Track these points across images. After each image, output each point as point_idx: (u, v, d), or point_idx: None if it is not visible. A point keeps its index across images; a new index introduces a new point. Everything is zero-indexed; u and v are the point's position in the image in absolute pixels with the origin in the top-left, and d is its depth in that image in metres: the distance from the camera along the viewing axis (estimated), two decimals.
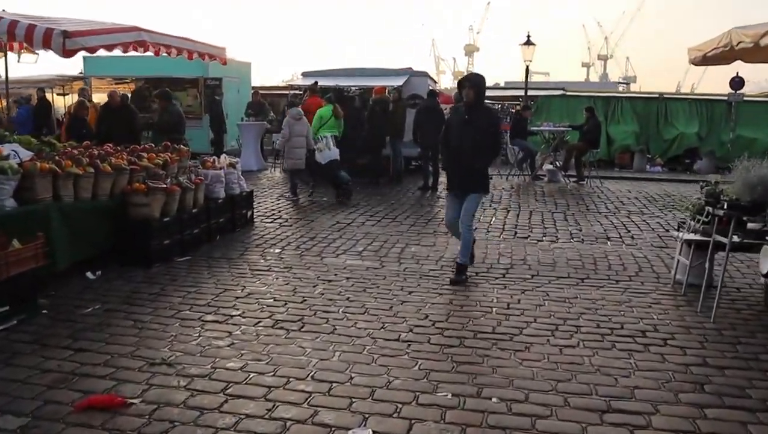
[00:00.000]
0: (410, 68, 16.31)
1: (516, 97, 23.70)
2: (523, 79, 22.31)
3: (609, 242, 8.59)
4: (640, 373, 4.38)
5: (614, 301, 6.05)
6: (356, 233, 8.82)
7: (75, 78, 19.61)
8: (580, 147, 14.66)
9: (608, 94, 24.08)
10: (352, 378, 4.22)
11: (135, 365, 4.35)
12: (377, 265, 7.23)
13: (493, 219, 10.00)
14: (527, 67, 21.05)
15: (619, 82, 46.14)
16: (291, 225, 9.38)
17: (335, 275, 6.79)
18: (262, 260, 7.38)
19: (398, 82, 14.84)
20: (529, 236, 8.88)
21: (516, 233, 9.05)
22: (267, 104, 17.37)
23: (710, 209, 5.84)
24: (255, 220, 9.61)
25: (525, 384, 4.18)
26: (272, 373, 4.27)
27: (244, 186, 9.31)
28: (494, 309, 5.75)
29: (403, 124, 13.64)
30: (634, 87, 54.94)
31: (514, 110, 21.78)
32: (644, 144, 20.05)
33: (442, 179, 13.58)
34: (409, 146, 13.73)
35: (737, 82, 19.38)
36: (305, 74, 16.21)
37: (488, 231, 9.11)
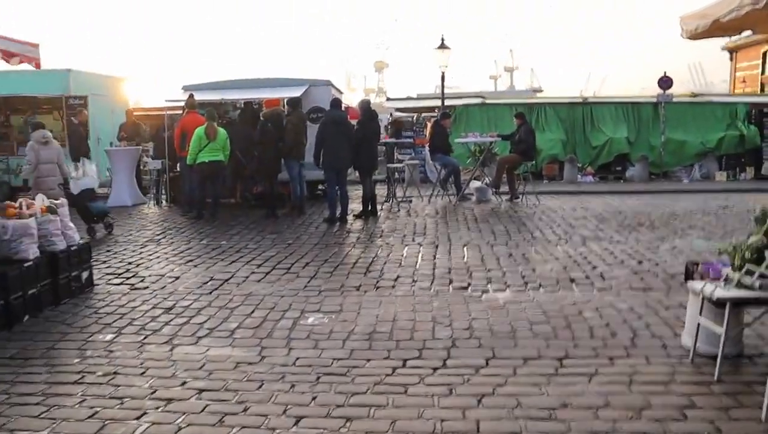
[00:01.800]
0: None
1: (430, 109, 21.78)
2: (436, 91, 20.41)
3: (576, 287, 6.43)
4: None
5: (623, 405, 3.82)
6: (233, 296, 6.31)
7: None
8: (512, 160, 12.66)
9: (530, 100, 22.52)
10: None
11: None
12: (254, 356, 4.76)
13: (420, 261, 7.70)
14: (443, 73, 19.06)
15: (534, 90, 45.38)
16: (146, 287, 6.75)
17: (182, 385, 4.26)
18: (77, 360, 4.76)
19: (296, 93, 12.44)
20: (469, 284, 6.60)
21: (451, 280, 6.76)
22: (144, 126, 14.55)
23: None
24: (97, 283, 6.94)
25: None
26: None
27: (74, 238, 6.63)
28: None
29: (302, 142, 11.22)
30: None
31: (430, 122, 19.96)
32: (572, 152, 18.46)
33: (354, 205, 11.30)
34: (311, 167, 11.33)
35: (666, 82, 18.10)
36: (186, 88, 13.51)
37: (414, 280, 6.78)
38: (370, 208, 10.95)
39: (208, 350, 4.90)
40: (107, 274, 7.38)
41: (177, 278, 7.09)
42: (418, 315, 5.58)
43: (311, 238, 9.22)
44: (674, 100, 18.29)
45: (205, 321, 5.56)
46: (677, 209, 11.55)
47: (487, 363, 4.55)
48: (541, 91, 45.24)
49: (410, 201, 12.71)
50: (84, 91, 14.67)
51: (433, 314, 5.59)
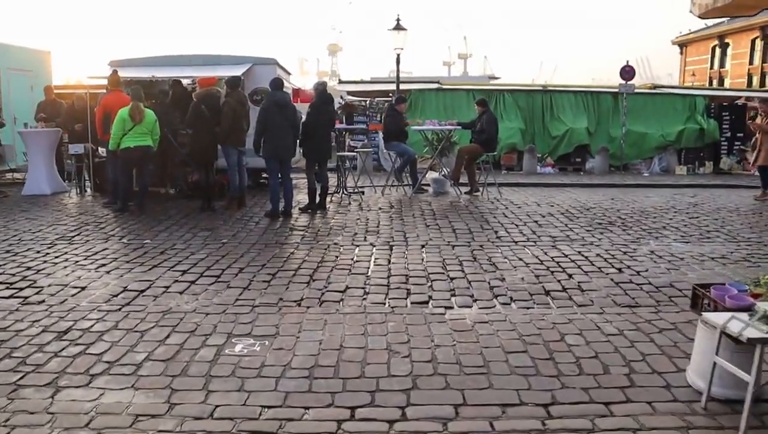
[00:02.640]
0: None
1: (384, 93, 20.76)
2: (390, 75, 19.38)
3: (553, 302, 5.54)
4: None
5: None
6: (147, 314, 5.20)
7: None
8: (472, 150, 11.75)
9: (488, 87, 21.72)
10: None
11: None
12: (160, 405, 3.69)
13: (372, 266, 6.71)
14: (398, 56, 18.03)
15: (490, 77, 44.75)
16: (41, 301, 5.58)
17: None
18: None
19: (237, 71, 11.24)
20: (429, 298, 5.65)
21: (409, 292, 5.80)
22: (67, 105, 13.08)
23: None
24: None
25: None
26: None
27: None
28: None
29: (242, 127, 10.06)
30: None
31: (384, 105, 18.93)
32: (531, 142, 17.75)
33: (300, 198, 10.25)
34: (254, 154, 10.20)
35: (628, 72, 17.49)
36: (112, 64, 12.14)
37: (366, 292, 5.79)
38: (318, 201, 9.89)
39: (101, 395, 3.81)
40: None
41: (82, 289, 5.92)
42: (370, 341, 4.60)
43: (249, 236, 8.12)
44: (635, 91, 17.73)
45: (106, 351, 4.45)
46: (646, 205, 10.84)
47: (456, 413, 3.60)
48: (497, 78, 44.58)
49: (362, 193, 11.70)
50: None
51: (388, 340, 4.62)
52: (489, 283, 6.06)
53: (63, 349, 4.48)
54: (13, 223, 9.19)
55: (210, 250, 7.35)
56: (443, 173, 12.53)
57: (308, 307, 5.35)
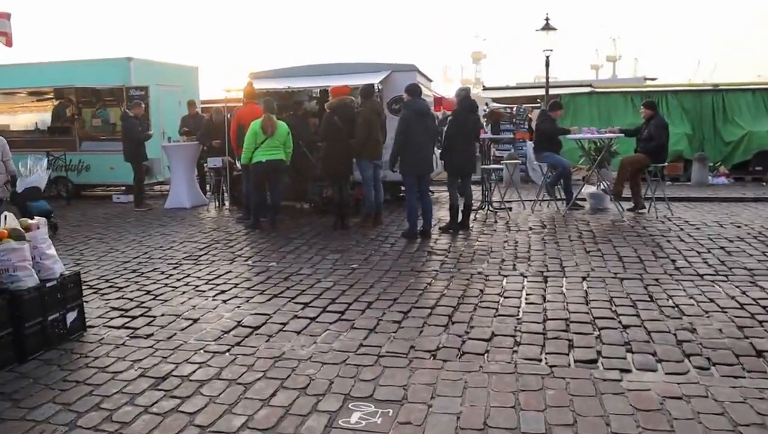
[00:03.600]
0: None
1: (532, 99, 19.37)
2: (535, 80, 17.96)
3: None
4: None
5: None
6: (256, 359, 4.44)
7: None
8: (637, 160, 10.19)
9: (647, 88, 19.62)
10: None
11: None
12: None
13: (523, 304, 5.58)
14: (547, 58, 16.63)
15: (647, 78, 41.53)
16: (149, 335, 5.03)
17: None
18: None
19: (374, 79, 10.54)
20: (599, 354, 4.43)
21: (571, 343, 4.61)
22: (206, 119, 13.07)
23: None
24: (94, 323, 5.32)
25: None
26: None
27: (54, 269, 4.96)
28: None
29: (378, 138, 9.29)
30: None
31: (530, 114, 17.59)
32: (700, 149, 15.63)
33: (441, 214, 9.31)
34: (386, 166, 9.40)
35: None
36: (252, 76, 11.90)
37: (517, 342, 4.69)
38: (460, 219, 8.88)
39: None
40: (114, 309, 5.74)
41: (195, 321, 5.32)
42: (523, 420, 3.51)
43: (383, 261, 7.27)
44: None
45: (201, 409, 3.72)
46: None
47: None
48: (653, 79, 41.20)
49: (509, 209, 10.54)
50: (147, 81, 13.36)
51: (547, 420, 3.50)
52: (675, 335, 4.73)
53: (155, 402, 3.81)
54: (148, 239, 9.03)
55: (338, 277, 6.57)
56: (602, 186, 11.06)
57: (445, 361, 4.34)
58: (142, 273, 7.03)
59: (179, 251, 8.14)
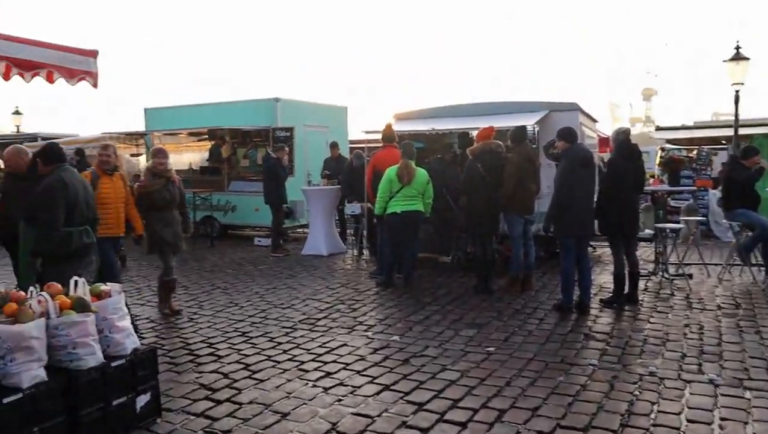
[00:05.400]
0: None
1: (713, 140, 16.95)
2: (714, 118, 15.61)
3: None
4: None
5: None
6: None
7: (130, 135, 16.04)
8: None
9: None
10: None
11: None
12: None
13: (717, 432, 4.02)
14: (737, 92, 14.38)
15: None
16: (227, 432, 4.13)
17: None
18: None
19: (529, 120, 9.28)
20: None
21: None
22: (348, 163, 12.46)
23: None
24: (170, 408, 4.53)
25: None
26: None
27: (125, 344, 4.20)
28: None
29: (530, 188, 8.00)
30: None
31: (714, 156, 15.29)
32: None
33: (603, 279, 7.80)
34: (541, 219, 8.03)
35: None
36: (397, 117, 11.12)
37: None
38: (626, 291, 7.30)
39: None
40: (203, 386, 4.94)
41: (282, 417, 4.34)
42: None
43: (527, 343, 5.93)
44: None
45: None
46: None
47: None
48: None
49: (689, 276, 8.69)
50: (293, 121, 13.05)
51: None
52: None
53: None
54: (271, 293, 8.37)
55: (468, 364, 5.34)
56: None
57: None
58: (250, 339, 6.25)
59: (298, 311, 7.32)
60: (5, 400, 3.50)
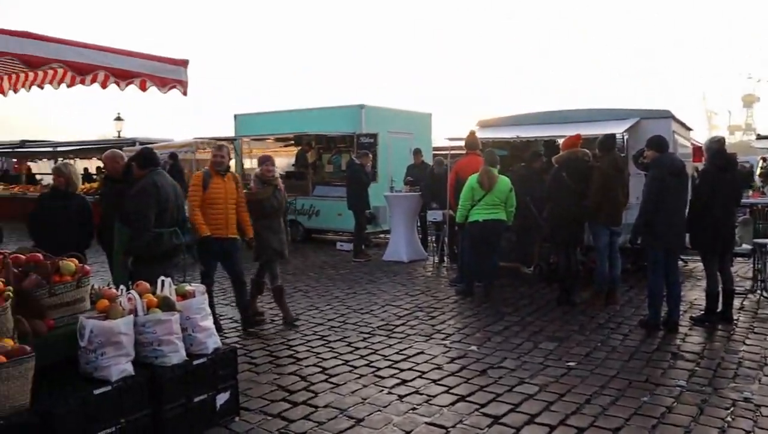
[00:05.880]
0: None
1: None
2: None
3: None
4: None
5: None
6: None
7: (219, 140, 16.56)
8: None
9: None
10: None
11: None
12: None
13: None
14: None
15: None
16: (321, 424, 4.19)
17: None
18: None
19: (618, 128, 8.97)
20: None
21: None
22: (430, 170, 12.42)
23: None
24: (249, 407, 4.65)
25: None
26: None
27: (207, 343, 4.34)
28: None
29: (618, 199, 7.72)
30: None
31: None
32: None
33: (693, 296, 7.43)
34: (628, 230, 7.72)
35: None
36: (480, 124, 11.01)
37: None
38: (720, 309, 6.92)
39: None
40: (281, 387, 5.04)
41: (357, 422, 4.36)
42: None
43: (609, 359, 5.72)
44: None
45: None
46: None
47: None
48: None
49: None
50: (377, 128, 13.16)
51: None
52: None
53: None
54: (352, 297, 8.47)
55: (547, 379, 5.20)
56: None
57: None
58: (329, 342, 6.33)
59: (377, 317, 7.36)
60: (96, 392, 3.69)
